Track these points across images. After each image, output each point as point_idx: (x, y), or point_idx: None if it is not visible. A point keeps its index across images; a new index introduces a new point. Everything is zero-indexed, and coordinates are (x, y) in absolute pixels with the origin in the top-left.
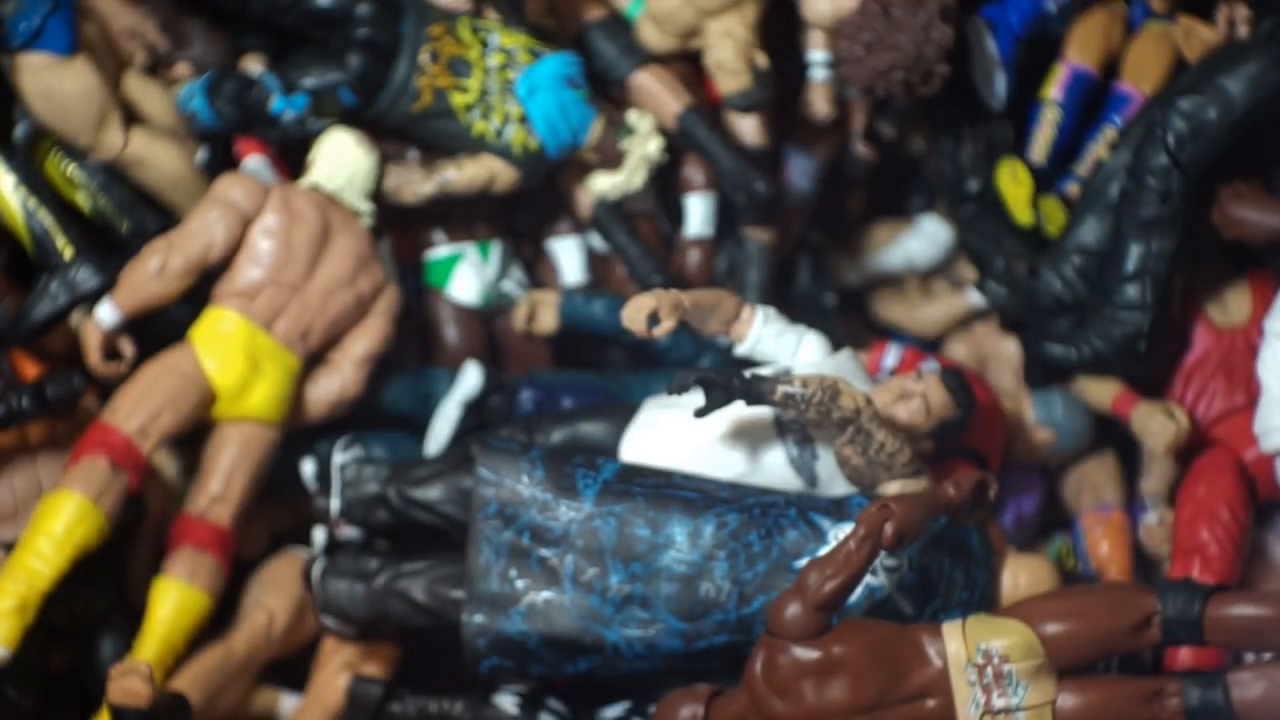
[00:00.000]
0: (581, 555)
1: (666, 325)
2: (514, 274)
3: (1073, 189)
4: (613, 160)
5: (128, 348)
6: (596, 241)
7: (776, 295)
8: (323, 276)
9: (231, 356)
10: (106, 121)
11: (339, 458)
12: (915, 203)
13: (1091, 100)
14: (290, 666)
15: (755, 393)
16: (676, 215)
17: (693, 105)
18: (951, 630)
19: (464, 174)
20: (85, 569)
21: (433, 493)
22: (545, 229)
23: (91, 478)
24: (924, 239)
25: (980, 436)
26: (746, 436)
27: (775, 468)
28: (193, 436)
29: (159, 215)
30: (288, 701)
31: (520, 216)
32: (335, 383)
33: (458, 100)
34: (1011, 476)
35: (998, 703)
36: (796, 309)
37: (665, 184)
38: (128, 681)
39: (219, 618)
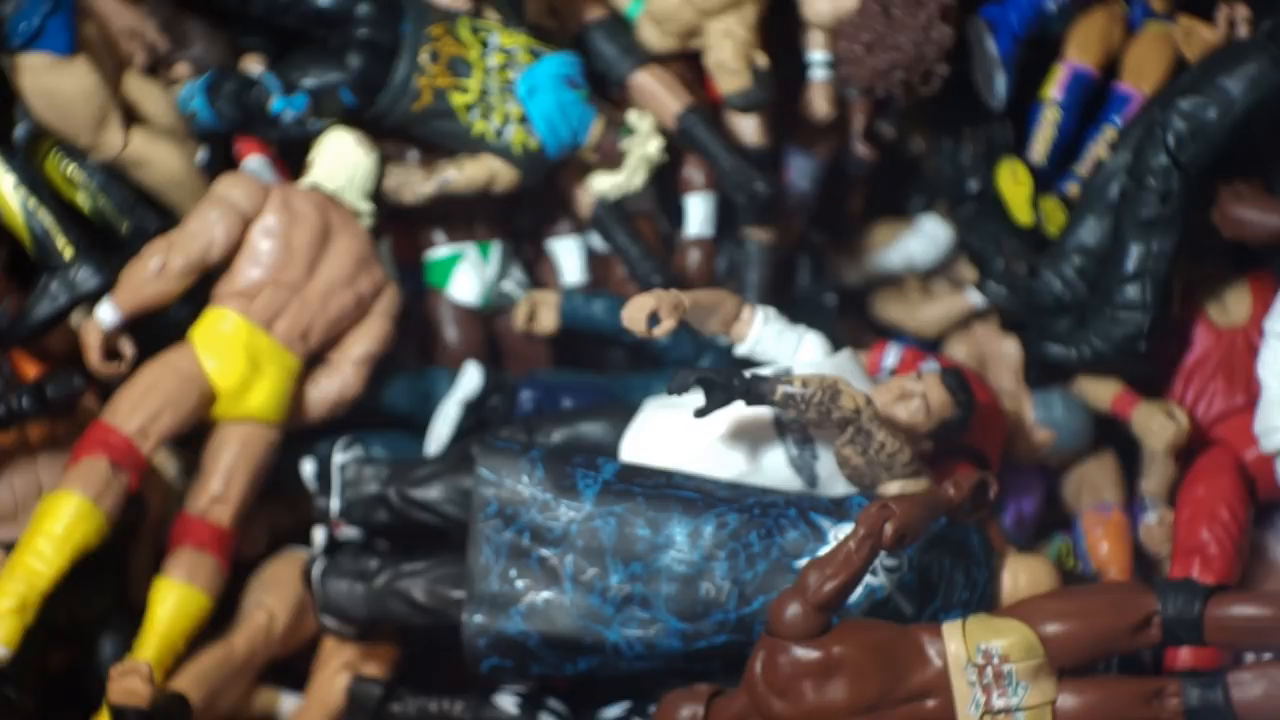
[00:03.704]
0: (581, 555)
1: (666, 325)
2: (514, 274)
3: (1073, 189)
4: (613, 160)
5: (128, 348)
6: (596, 241)
7: (776, 295)
8: (323, 276)
9: (232, 356)
10: (106, 121)
11: (339, 458)
12: (915, 203)
13: (1091, 100)
14: (290, 666)
15: (755, 393)
16: (676, 215)
17: (693, 105)
18: (951, 630)
19: (464, 174)
20: (85, 569)
21: (433, 493)
22: (545, 229)
23: (91, 478)
24: (924, 239)
25: (980, 436)
26: (746, 436)
27: (775, 468)
28: (193, 436)
29: (159, 215)
30: (288, 701)
31: (520, 216)
32: (335, 383)
33: (458, 100)
34: (1011, 476)
35: (998, 703)
36: (796, 309)
37: (665, 184)
38: (128, 681)
39: (219, 618)
